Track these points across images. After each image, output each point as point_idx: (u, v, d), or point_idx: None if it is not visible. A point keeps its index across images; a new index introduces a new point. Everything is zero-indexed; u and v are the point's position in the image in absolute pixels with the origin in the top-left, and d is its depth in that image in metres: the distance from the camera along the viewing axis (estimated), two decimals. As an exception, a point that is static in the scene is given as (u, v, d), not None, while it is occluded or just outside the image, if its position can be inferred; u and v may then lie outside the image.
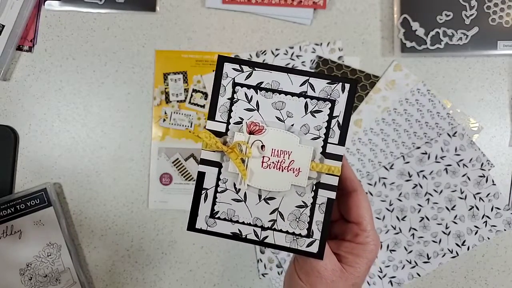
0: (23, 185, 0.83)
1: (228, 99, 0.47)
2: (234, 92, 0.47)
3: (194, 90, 0.84)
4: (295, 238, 0.47)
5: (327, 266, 0.47)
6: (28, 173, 0.83)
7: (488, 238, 0.82)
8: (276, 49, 0.84)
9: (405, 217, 0.82)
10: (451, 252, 0.82)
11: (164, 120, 0.83)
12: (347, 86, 0.46)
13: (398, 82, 0.83)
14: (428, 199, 0.82)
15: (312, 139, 0.47)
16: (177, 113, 0.83)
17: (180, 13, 0.84)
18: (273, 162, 0.47)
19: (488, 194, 0.82)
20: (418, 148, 0.82)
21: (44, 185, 0.81)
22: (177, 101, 0.84)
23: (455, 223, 0.82)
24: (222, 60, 0.46)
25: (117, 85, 0.84)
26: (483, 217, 0.82)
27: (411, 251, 0.82)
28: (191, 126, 0.83)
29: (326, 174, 0.46)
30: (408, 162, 0.82)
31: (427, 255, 0.82)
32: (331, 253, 0.49)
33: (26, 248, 0.79)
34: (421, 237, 0.82)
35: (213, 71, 0.83)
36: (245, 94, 0.47)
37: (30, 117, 0.83)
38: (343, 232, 0.52)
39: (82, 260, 0.83)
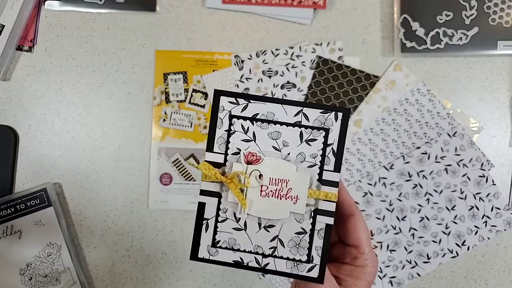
0: (23, 185, 0.83)
1: (226, 131, 0.48)
2: (231, 124, 0.48)
3: (194, 90, 0.84)
4: (295, 264, 0.48)
5: None
6: (28, 173, 0.83)
7: (488, 238, 0.82)
8: (276, 49, 0.84)
9: (405, 217, 0.82)
10: (451, 252, 0.82)
11: (164, 120, 0.83)
12: (340, 114, 0.48)
13: (398, 82, 0.83)
14: (428, 199, 0.82)
15: (308, 166, 0.48)
16: (177, 113, 0.83)
17: (180, 13, 0.84)
18: (271, 191, 0.48)
19: (488, 194, 0.82)
20: (418, 148, 0.82)
21: (44, 185, 0.81)
22: (177, 101, 0.84)
23: (455, 223, 0.82)
24: (218, 94, 0.48)
25: (117, 85, 0.84)
26: (483, 217, 0.82)
27: (411, 251, 0.82)
28: (191, 126, 0.83)
29: (324, 200, 0.47)
30: (408, 162, 0.82)
31: (427, 255, 0.82)
32: (331, 276, 0.49)
33: (26, 248, 0.79)
34: (421, 237, 0.82)
35: (214, 70, 0.83)
36: (242, 125, 0.48)
37: (30, 117, 0.83)
38: (342, 255, 0.52)
39: (82, 260, 0.83)
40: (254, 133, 0.48)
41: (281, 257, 0.48)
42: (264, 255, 0.48)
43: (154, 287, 0.83)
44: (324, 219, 0.47)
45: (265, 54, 0.84)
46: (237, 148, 0.48)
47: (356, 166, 0.82)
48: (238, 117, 0.48)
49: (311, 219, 0.48)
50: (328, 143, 0.48)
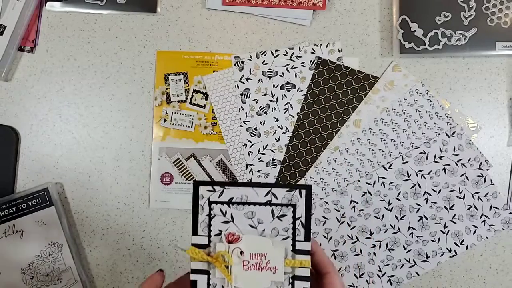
0: (25, 185, 0.83)
1: (207, 215, 0.53)
2: (210, 209, 0.53)
3: (194, 91, 0.84)
4: None
5: None
6: (29, 173, 0.83)
7: (487, 238, 0.82)
8: (276, 50, 0.84)
9: (403, 216, 0.82)
10: (450, 251, 0.82)
11: (165, 120, 0.84)
12: (303, 191, 0.53)
13: (397, 82, 0.84)
14: (426, 199, 0.82)
15: (282, 239, 0.53)
16: (177, 113, 0.84)
17: (181, 14, 0.85)
18: (252, 264, 0.53)
19: (487, 194, 0.82)
20: (417, 148, 0.83)
21: (45, 184, 0.81)
22: (178, 101, 0.84)
23: (454, 222, 0.82)
24: (196, 184, 0.53)
25: (118, 85, 0.84)
26: (481, 217, 0.82)
27: (410, 250, 0.82)
28: (191, 126, 0.84)
29: (299, 267, 0.52)
30: (406, 162, 0.82)
31: (426, 254, 0.82)
32: None
33: (28, 248, 0.80)
34: (420, 236, 0.82)
35: (214, 71, 0.84)
36: (220, 209, 0.53)
37: (32, 117, 0.84)
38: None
39: (83, 259, 0.84)
40: (231, 214, 0.53)
41: None
42: None
43: (155, 286, 0.84)
44: (301, 284, 0.52)
45: (265, 55, 0.84)
46: (219, 230, 0.53)
47: (355, 165, 0.83)
48: (216, 202, 0.53)
49: (290, 285, 0.53)
50: (297, 217, 0.53)
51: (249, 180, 0.84)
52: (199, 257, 0.52)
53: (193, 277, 0.53)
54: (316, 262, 0.54)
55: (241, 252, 0.53)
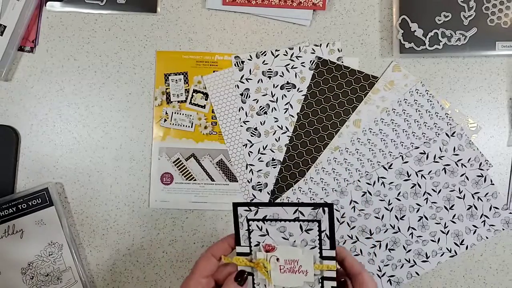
0: (25, 185, 0.83)
1: (246, 230, 0.63)
2: (248, 225, 0.63)
3: (194, 91, 0.84)
4: None
5: None
6: (29, 173, 0.84)
7: (487, 238, 0.82)
8: (276, 50, 0.84)
9: (403, 216, 0.82)
10: (450, 251, 0.82)
11: (165, 120, 0.84)
12: (326, 209, 0.61)
13: (397, 82, 0.84)
14: (426, 199, 0.82)
15: (311, 248, 0.62)
16: (178, 113, 0.84)
17: (181, 14, 0.85)
18: (287, 268, 0.63)
19: (487, 194, 0.82)
20: (417, 148, 0.83)
21: (45, 184, 0.81)
22: (178, 102, 0.84)
23: (454, 222, 0.82)
24: (235, 205, 0.63)
25: (118, 85, 0.85)
26: (481, 217, 0.82)
27: (410, 250, 0.82)
28: (191, 126, 0.84)
29: (326, 270, 0.62)
30: (406, 162, 0.82)
31: (426, 254, 0.82)
32: None
33: (28, 248, 0.80)
34: (420, 236, 0.82)
35: (214, 71, 0.84)
36: (257, 225, 0.63)
37: (32, 117, 0.84)
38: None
39: (83, 259, 0.84)
40: (266, 229, 0.64)
41: None
42: None
43: (155, 286, 0.84)
44: (329, 283, 0.62)
45: (265, 55, 0.84)
46: (257, 241, 0.64)
47: (355, 165, 0.83)
48: (253, 220, 0.63)
49: (319, 284, 0.63)
50: (322, 230, 0.62)
51: (249, 180, 0.84)
52: (243, 264, 0.63)
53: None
54: (347, 266, 0.61)
55: (277, 259, 0.63)
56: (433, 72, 0.85)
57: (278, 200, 0.83)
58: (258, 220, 0.64)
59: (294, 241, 0.64)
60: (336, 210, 0.82)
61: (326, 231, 0.62)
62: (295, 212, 0.63)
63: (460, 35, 0.82)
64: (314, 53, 0.84)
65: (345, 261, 0.61)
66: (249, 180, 0.84)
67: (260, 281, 0.64)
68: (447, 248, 0.83)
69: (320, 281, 0.63)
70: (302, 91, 0.84)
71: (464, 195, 0.82)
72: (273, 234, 0.64)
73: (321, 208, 0.62)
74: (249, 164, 0.84)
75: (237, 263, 0.64)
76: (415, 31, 0.82)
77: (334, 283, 0.62)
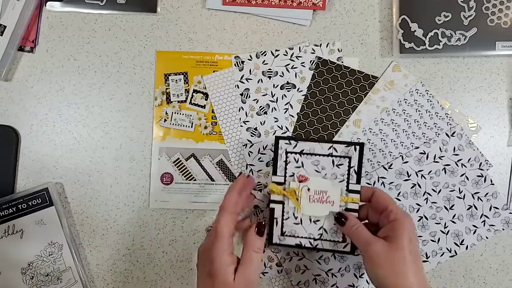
0: (25, 185, 0.83)
1: (284, 161, 0.74)
2: (287, 157, 0.74)
3: (194, 91, 0.84)
4: (335, 244, 0.74)
5: (379, 249, 0.64)
6: (29, 173, 0.84)
7: (487, 238, 0.82)
8: (276, 50, 0.84)
9: (404, 216, 0.83)
10: (450, 251, 0.82)
11: (165, 120, 0.84)
12: (358, 147, 0.73)
13: (397, 82, 0.84)
14: (426, 199, 0.82)
15: (339, 181, 0.73)
16: (178, 113, 0.84)
17: (181, 14, 0.85)
18: (316, 198, 0.73)
19: (487, 194, 0.82)
20: (417, 148, 0.83)
21: (45, 184, 0.81)
22: (178, 102, 0.84)
23: (454, 222, 0.82)
24: (277, 139, 0.74)
25: (118, 85, 0.85)
26: (481, 217, 0.82)
27: (410, 250, 0.82)
28: (191, 126, 0.84)
29: (351, 202, 0.73)
30: (406, 162, 0.82)
31: (426, 254, 0.82)
32: (378, 239, 0.66)
33: (28, 248, 0.80)
34: (420, 236, 0.82)
35: (214, 71, 0.84)
36: (294, 157, 0.74)
37: (32, 117, 0.84)
38: (382, 225, 0.69)
39: (83, 259, 0.84)
40: (302, 162, 0.74)
41: (326, 240, 0.74)
42: (315, 239, 0.75)
43: (155, 286, 0.84)
44: (352, 215, 0.72)
45: (265, 55, 0.84)
46: (292, 172, 0.74)
47: (356, 165, 0.83)
48: (291, 152, 0.74)
49: None
50: (351, 166, 0.73)
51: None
52: (278, 191, 0.74)
53: (272, 206, 0.75)
54: (376, 200, 0.70)
55: (308, 189, 0.73)
56: (433, 72, 0.85)
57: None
58: (296, 153, 0.74)
59: (325, 174, 0.74)
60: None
61: (355, 167, 0.73)
62: (329, 148, 0.74)
63: (460, 35, 0.82)
64: (314, 53, 0.84)
65: (374, 195, 0.71)
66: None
67: (290, 209, 0.74)
68: (447, 248, 0.83)
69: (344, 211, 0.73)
70: (302, 91, 0.84)
71: (464, 195, 0.82)
72: (307, 167, 0.74)
73: (353, 146, 0.73)
74: (249, 164, 0.83)
75: (272, 189, 0.74)
76: (415, 31, 0.82)
77: (356, 214, 0.72)
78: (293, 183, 0.73)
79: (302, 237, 0.75)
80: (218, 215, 0.68)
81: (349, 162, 0.73)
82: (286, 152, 0.74)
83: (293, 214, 0.74)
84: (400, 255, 0.63)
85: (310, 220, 0.74)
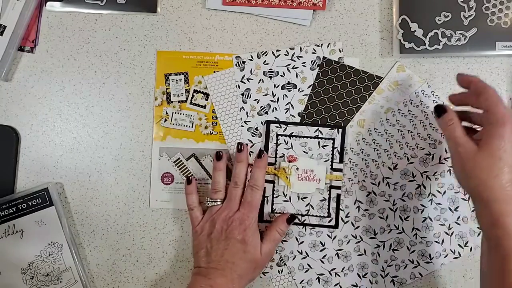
0: (25, 185, 0.83)
1: (275, 143, 0.82)
2: (277, 139, 0.82)
3: (195, 91, 0.84)
4: (321, 219, 0.82)
5: (467, 152, 0.65)
6: (29, 173, 0.83)
7: (490, 239, 0.82)
8: (277, 50, 0.84)
9: (408, 217, 0.82)
10: (454, 252, 0.82)
11: (165, 120, 0.84)
12: (340, 130, 0.82)
13: (401, 83, 0.83)
14: (431, 200, 0.82)
15: (324, 161, 0.82)
16: (178, 113, 0.84)
17: (181, 14, 0.85)
18: (304, 176, 0.81)
19: (490, 195, 0.82)
20: (422, 149, 0.82)
21: (45, 184, 0.81)
22: (178, 102, 0.84)
23: (458, 224, 0.82)
24: (269, 123, 0.82)
25: (118, 85, 0.84)
26: (485, 218, 0.82)
27: (413, 251, 0.82)
28: (192, 126, 0.84)
29: (335, 180, 0.81)
30: (412, 163, 0.82)
31: (430, 255, 0.82)
32: (469, 141, 0.66)
33: (28, 248, 0.79)
34: (424, 237, 0.82)
35: (215, 71, 0.84)
36: (284, 140, 0.82)
37: (32, 117, 0.84)
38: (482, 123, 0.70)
39: (83, 259, 0.83)
40: (291, 144, 0.82)
41: (312, 215, 0.82)
42: (302, 215, 0.82)
43: (155, 286, 0.83)
44: (336, 191, 0.82)
45: (266, 55, 0.84)
46: (282, 153, 0.82)
47: (360, 165, 0.83)
48: (281, 135, 0.82)
49: (328, 191, 0.82)
50: (335, 146, 0.82)
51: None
52: (269, 170, 0.81)
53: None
54: (473, 87, 0.70)
55: (297, 168, 0.81)
56: (433, 72, 0.85)
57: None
58: (285, 135, 0.82)
59: (312, 155, 0.81)
60: (341, 209, 0.82)
61: (338, 148, 0.81)
62: (315, 131, 0.82)
63: (460, 35, 0.82)
64: (315, 53, 0.84)
65: (472, 83, 0.70)
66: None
67: (280, 188, 0.82)
68: (451, 250, 0.82)
69: (329, 189, 0.82)
70: (303, 91, 0.84)
71: (469, 197, 0.82)
72: (296, 148, 0.81)
73: (336, 128, 0.81)
74: (250, 164, 0.83)
75: None
76: (415, 31, 0.82)
77: (339, 191, 0.81)
78: (283, 163, 0.81)
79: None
80: (249, 190, 0.78)
81: (333, 144, 0.81)
82: (277, 135, 0.82)
83: (283, 193, 0.82)
84: (488, 162, 0.63)
85: (298, 197, 0.82)
